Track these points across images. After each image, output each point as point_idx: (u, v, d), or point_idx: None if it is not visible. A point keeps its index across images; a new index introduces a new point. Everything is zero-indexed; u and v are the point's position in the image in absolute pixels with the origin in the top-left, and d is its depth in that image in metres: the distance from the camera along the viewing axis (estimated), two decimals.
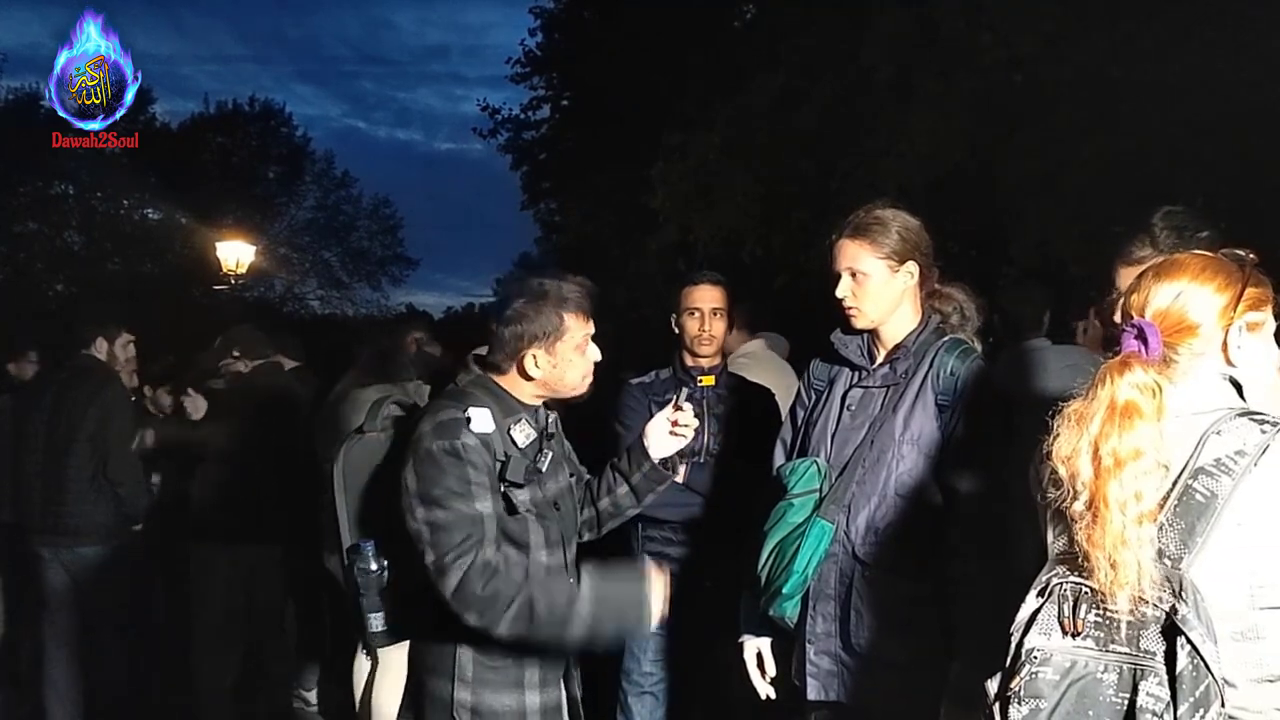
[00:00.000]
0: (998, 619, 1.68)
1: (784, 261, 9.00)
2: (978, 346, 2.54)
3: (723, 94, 9.30)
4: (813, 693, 2.29)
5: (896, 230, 2.28)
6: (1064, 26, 6.29)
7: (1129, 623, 1.32)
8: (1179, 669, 1.26)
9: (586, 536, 2.44)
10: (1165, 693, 1.27)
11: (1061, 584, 1.38)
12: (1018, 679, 1.35)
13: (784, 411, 3.90)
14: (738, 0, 11.62)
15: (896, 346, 2.33)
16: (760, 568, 2.30)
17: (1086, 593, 1.36)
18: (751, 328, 4.39)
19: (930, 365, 2.27)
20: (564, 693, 2.25)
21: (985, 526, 2.10)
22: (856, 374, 2.38)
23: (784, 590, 2.25)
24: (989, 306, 3.21)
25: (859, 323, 2.33)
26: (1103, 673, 1.31)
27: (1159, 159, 6.05)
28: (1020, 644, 1.38)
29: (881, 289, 2.29)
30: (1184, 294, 1.46)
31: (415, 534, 2.05)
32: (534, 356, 2.16)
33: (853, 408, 2.33)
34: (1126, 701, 1.29)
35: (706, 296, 3.21)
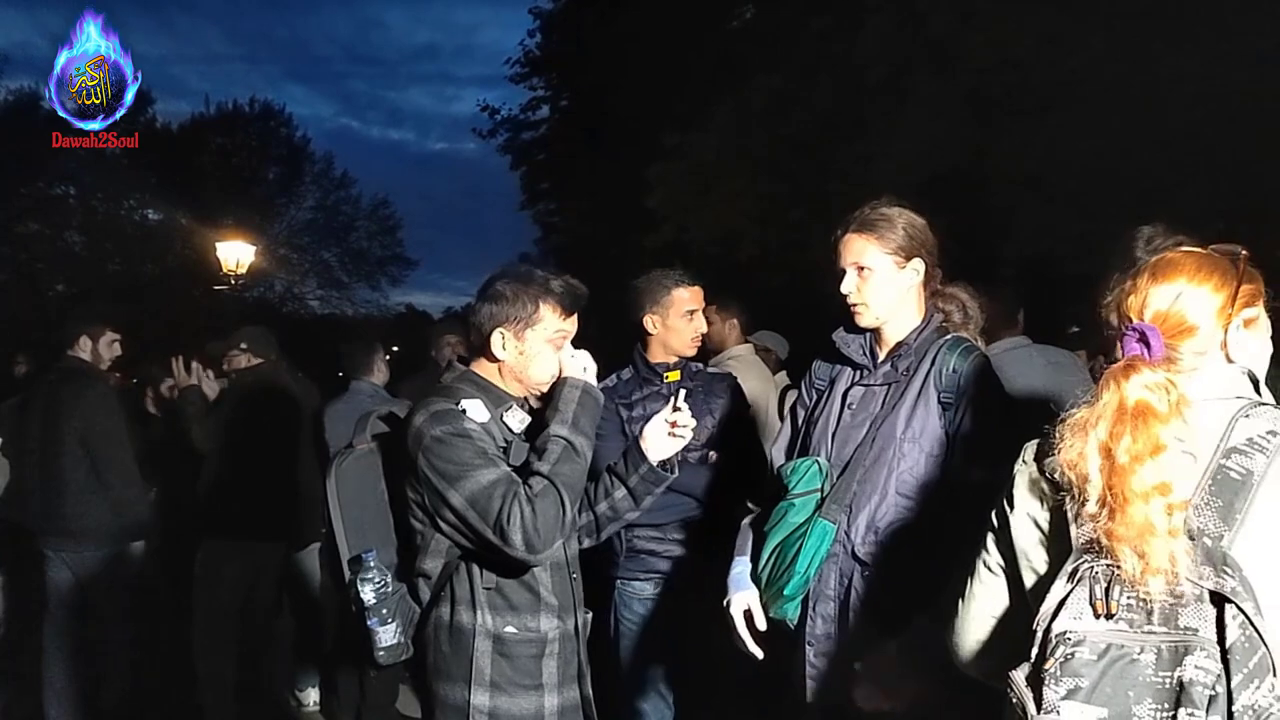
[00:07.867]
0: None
1: (781, 261, 9.02)
2: (981, 345, 2.53)
3: (721, 95, 9.31)
4: (812, 695, 2.25)
5: (903, 227, 2.25)
6: (1057, 28, 6.29)
7: (1163, 604, 1.28)
8: (1230, 641, 1.24)
9: (586, 543, 2.41)
10: (1215, 665, 1.23)
11: (1092, 567, 1.34)
12: (1051, 661, 1.30)
13: (762, 411, 3.92)
14: (736, 1, 11.62)
15: (899, 344, 2.29)
16: (761, 569, 2.28)
17: (1118, 574, 1.32)
18: (746, 330, 4.42)
19: (932, 363, 2.24)
20: (579, 692, 2.24)
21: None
22: (858, 373, 2.35)
23: (785, 591, 2.22)
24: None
25: (863, 320, 2.29)
26: (1139, 654, 1.28)
27: (1157, 159, 6.06)
28: (1049, 630, 1.34)
29: (887, 285, 2.26)
30: (1183, 295, 1.44)
31: (459, 521, 2.02)
32: (502, 335, 2.15)
33: (853, 406, 2.30)
34: (1169, 679, 1.25)
35: (700, 297, 3.25)
